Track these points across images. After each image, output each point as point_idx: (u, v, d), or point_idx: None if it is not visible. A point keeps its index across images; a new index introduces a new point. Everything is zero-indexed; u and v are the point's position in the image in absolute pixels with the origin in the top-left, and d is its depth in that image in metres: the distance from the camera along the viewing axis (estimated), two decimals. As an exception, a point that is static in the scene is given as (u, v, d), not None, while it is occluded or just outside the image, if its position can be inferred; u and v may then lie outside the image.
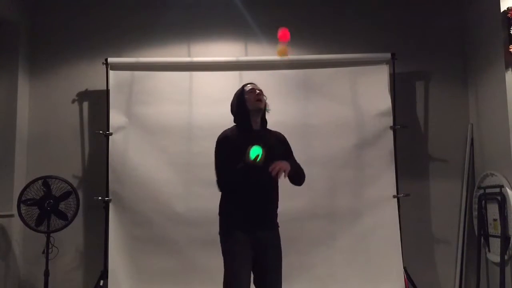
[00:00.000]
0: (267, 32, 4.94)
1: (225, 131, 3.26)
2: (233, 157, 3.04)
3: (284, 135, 3.42)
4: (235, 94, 3.33)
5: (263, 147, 2.97)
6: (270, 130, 3.37)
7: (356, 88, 4.70)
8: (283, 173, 3.05)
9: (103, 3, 5.04)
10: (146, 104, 4.65)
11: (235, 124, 3.30)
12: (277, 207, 3.27)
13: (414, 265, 4.55)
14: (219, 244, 3.20)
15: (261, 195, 3.14)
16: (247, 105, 3.20)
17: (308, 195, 4.52)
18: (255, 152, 2.92)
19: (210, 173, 3.23)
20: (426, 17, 5.04)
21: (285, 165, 3.06)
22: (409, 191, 4.58)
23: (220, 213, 3.23)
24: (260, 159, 2.92)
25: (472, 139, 4.87)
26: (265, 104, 3.27)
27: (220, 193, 3.22)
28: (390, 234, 4.47)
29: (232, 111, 3.32)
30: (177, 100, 4.66)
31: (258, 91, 3.24)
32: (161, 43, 4.98)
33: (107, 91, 4.67)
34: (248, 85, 3.29)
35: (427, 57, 4.99)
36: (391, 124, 4.62)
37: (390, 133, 4.62)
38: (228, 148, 3.12)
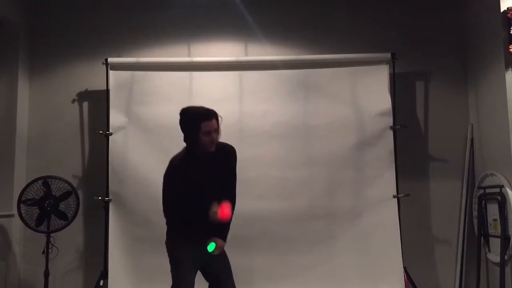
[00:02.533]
0: (267, 32, 4.95)
1: (173, 157, 3.27)
2: (178, 185, 3.17)
3: (235, 148, 3.31)
4: (189, 121, 3.15)
5: (206, 165, 3.16)
6: (221, 143, 3.25)
7: (356, 88, 4.70)
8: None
9: (103, 3, 5.05)
10: (146, 104, 4.65)
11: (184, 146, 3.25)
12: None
13: (414, 265, 4.55)
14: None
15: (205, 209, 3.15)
16: (198, 145, 3.14)
17: (308, 195, 4.53)
18: (212, 247, 3.11)
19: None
20: (426, 17, 5.04)
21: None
22: (409, 191, 4.58)
23: (167, 222, 3.33)
24: (216, 251, 3.13)
25: (472, 139, 4.87)
26: (218, 137, 3.20)
27: None
28: (390, 234, 4.47)
29: (182, 130, 3.20)
30: (177, 100, 4.64)
31: (214, 135, 3.13)
32: (161, 43, 4.98)
33: (107, 91, 4.67)
34: (206, 124, 3.09)
35: (427, 57, 4.99)
36: (391, 124, 4.62)
37: (390, 133, 4.61)
38: (173, 177, 3.21)
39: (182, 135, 4.53)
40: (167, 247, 3.35)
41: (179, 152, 3.31)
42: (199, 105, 3.25)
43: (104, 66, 4.69)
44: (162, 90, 4.67)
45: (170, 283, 4.49)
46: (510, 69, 4.33)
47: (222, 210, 3.09)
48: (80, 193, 4.59)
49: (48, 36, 5.03)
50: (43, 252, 4.40)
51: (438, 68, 4.98)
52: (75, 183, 4.69)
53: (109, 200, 4.51)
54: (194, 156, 3.21)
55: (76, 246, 4.77)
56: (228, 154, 3.28)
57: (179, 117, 3.21)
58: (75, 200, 4.45)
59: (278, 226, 4.49)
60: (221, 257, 3.29)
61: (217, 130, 3.17)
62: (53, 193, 4.40)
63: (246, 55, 4.97)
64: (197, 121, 3.10)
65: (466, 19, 4.99)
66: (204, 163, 3.20)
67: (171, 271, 3.28)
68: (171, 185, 3.23)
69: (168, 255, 3.33)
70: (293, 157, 4.56)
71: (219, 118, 3.17)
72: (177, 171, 3.22)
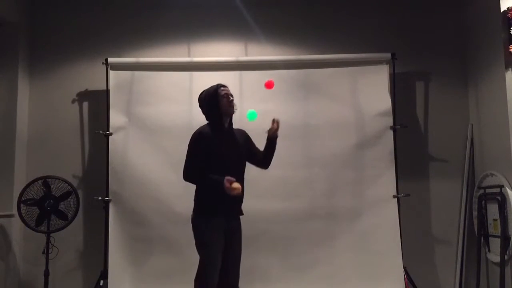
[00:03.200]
0: (267, 32, 4.95)
1: (199, 128, 3.48)
2: (205, 154, 3.36)
3: (246, 132, 3.66)
4: (208, 94, 3.52)
5: (228, 139, 3.45)
6: (235, 129, 3.61)
7: (356, 88, 4.70)
8: (277, 125, 3.51)
9: (103, 3, 5.04)
10: (146, 104, 4.65)
11: (207, 122, 3.53)
12: (243, 195, 3.49)
13: (414, 265, 4.55)
14: None
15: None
16: (220, 108, 3.46)
17: (308, 195, 4.53)
18: (252, 115, 3.41)
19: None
20: (426, 17, 5.05)
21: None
22: (409, 191, 4.59)
23: (197, 199, 3.44)
24: (239, 191, 3.27)
25: (472, 139, 4.87)
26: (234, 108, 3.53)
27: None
28: (390, 234, 4.48)
29: (203, 109, 3.56)
30: (177, 100, 4.66)
31: (231, 98, 3.50)
32: (161, 43, 4.98)
33: (107, 91, 4.67)
34: (222, 89, 3.50)
35: (427, 57, 4.99)
36: (391, 124, 4.62)
37: (390, 133, 4.62)
38: (202, 145, 3.39)
39: (181, 135, 4.57)
40: (193, 223, 3.41)
41: (202, 126, 3.48)
42: None
43: (104, 66, 4.69)
44: (162, 90, 4.67)
45: (169, 283, 4.50)
46: (510, 69, 4.33)
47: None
48: (80, 193, 4.59)
49: (48, 36, 5.02)
50: (43, 252, 4.40)
51: (438, 68, 4.98)
52: (75, 183, 4.69)
53: (109, 200, 4.51)
54: (218, 129, 3.44)
55: (76, 246, 4.77)
56: (246, 134, 3.64)
57: (198, 103, 3.58)
58: (75, 200, 4.45)
59: (278, 226, 4.49)
60: (239, 243, 3.45)
61: (232, 96, 3.51)
62: (53, 193, 4.41)
63: (246, 55, 4.97)
64: (214, 89, 3.50)
65: (466, 19, 5.00)
66: (228, 137, 3.47)
67: (199, 248, 3.36)
68: (197, 147, 3.39)
69: (195, 231, 3.39)
70: (293, 157, 4.56)
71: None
72: (202, 142, 3.39)
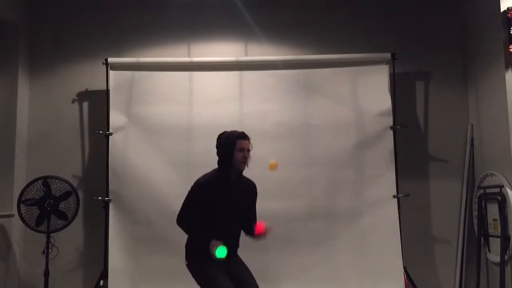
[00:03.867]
0: (267, 32, 4.95)
1: (204, 176, 3.35)
2: (204, 204, 3.26)
3: (256, 184, 3.54)
4: (227, 140, 3.35)
5: (233, 190, 3.32)
6: (244, 177, 3.47)
7: (356, 88, 4.70)
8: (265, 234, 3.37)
9: (103, 3, 5.04)
10: (146, 104, 4.65)
11: (216, 168, 3.39)
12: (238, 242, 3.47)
13: (414, 265, 4.55)
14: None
15: (232, 232, 3.38)
16: (232, 162, 3.32)
17: (308, 195, 4.53)
18: (221, 252, 3.11)
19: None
20: (426, 17, 5.04)
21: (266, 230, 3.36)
22: (409, 191, 4.59)
23: (189, 244, 3.39)
24: (224, 256, 3.13)
25: (472, 139, 4.87)
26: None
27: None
28: (390, 234, 4.48)
29: (217, 150, 3.38)
30: (177, 100, 4.66)
31: (247, 154, 3.34)
32: (161, 43, 4.98)
33: (107, 91, 4.67)
34: (241, 141, 3.32)
35: (427, 57, 4.99)
36: (391, 124, 4.62)
37: (390, 133, 4.61)
38: (201, 196, 3.28)
39: (181, 135, 4.59)
40: (192, 270, 3.34)
41: (208, 173, 3.38)
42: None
43: (104, 66, 4.69)
44: (162, 90, 4.67)
45: (169, 283, 4.50)
46: (510, 69, 4.33)
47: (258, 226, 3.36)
48: (80, 193, 4.59)
49: (48, 36, 5.02)
50: (43, 252, 4.40)
51: (438, 68, 4.98)
52: (75, 183, 4.69)
53: (109, 200, 4.51)
54: (224, 180, 3.33)
55: (76, 246, 4.77)
56: (254, 189, 3.53)
57: (216, 142, 3.39)
58: (75, 200, 4.45)
59: (278, 226, 4.45)
60: (248, 271, 3.39)
61: (249, 152, 3.36)
62: (53, 193, 4.40)
63: (246, 55, 4.97)
64: (233, 138, 3.33)
65: (466, 19, 4.99)
66: (232, 191, 3.34)
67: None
68: (192, 206, 3.31)
69: (195, 275, 3.32)
70: (293, 157, 4.56)
71: (251, 145, 3.38)
72: (202, 193, 3.29)
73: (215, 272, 3.21)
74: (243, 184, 3.45)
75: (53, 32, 5.02)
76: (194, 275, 3.32)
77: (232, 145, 3.30)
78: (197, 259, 3.31)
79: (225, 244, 3.15)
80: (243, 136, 3.35)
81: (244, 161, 3.33)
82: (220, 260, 3.12)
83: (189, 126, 4.60)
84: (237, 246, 3.45)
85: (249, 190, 3.50)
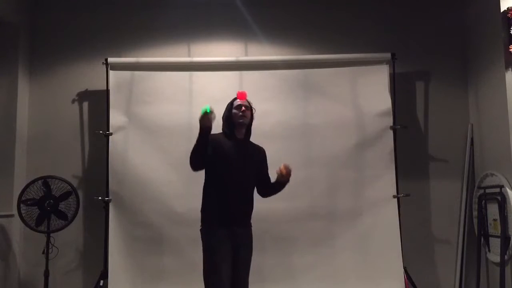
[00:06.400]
0: (267, 32, 4.96)
1: (213, 134, 3.47)
2: (211, 153, 3.42)
3: (265, 150, 3.68)
4: (228, 104, 3.62)
5: (238, 150, 3.46)
6: (252, 142, 3.65)
7: (356, 88, 4.70)
8: (287, 173, 3.47)
9: (103, 3, 5.05)
10: (146, 104, 4.65)
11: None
12: (251, 208, 3.53)
13: (414, 265, 4.56)
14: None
15: (237, 195, 3.42)
16: (232, 118, 3.53)
17: (308, 195, 4.53)
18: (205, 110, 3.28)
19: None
20: (426, 17, 5.05)
21: (289, 173, 3.47)
22: (409, 191, 4.59)
23: (202, 210, 3.48)
24: (210, 112, 3.27)
25: (472, 139, 4.87)
26: (251, 119, 3.58)
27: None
28: (390, 234, 4.47)
29: (222, 119, 3.60)
30: (177, 100, 4.66)
31: (244, 108, 3.53)
32: (161, 43, 4.98)
33: (107, 91, 4.67)
34: (237, 100, 3.58)
35: (427, 57, 4.99)
36: (391, 124, 4.62)
37: (390, 133, 4.61)
38: (213, 145, 3.43)
39: (181, 135, 4.59)
40: (202, 235, 3.43)
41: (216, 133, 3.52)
42: None
43: (104, 66, 4.69)
44: (162, 90, 4.67)
45: (170, 283, 4.50)
46: (510, 69, 4.33)
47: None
48: (80, 193, 4.59)
49: (48, 36, 5.03)
50: (43, 252, 4.41)
51: (438, 68, 4.98)
52: (75, 183, 4.69)
53: (109, 200, 4.51)
54: (230, 138, 3.50)
55: (76, 246, 4.77)
56: (261, 153, 3.65)
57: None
58: (75, 200, 4.45)
59: (278, 226, 4.49)
60: (249, 251, 3.46)
61: (249, 109, 3.55)
62: (53, 193, 4.41)
63: (246, 55, 4.97)
64: (231, 101, 3.61)
65: (466, 19, 5.00)
66: (239, 148, 3.48)
67: (205, 258, 3.34)
68: (205, 143, 3.41)
69: (202, 240, 3.40)
70: (293, 157, 4.53)
71: (253, 109, 3.61)
72: (213, 139, 3.44)
73: (214, 247, 3.31)
74: (249, 149, 3.57)
75: (53, 32, 5.02)
76: (202, 241, 3.40)
77: (230, 106, 3.58)
78: (204, 227, 3.41)
79: (234, 204, 3.35)
80: (240, 96, 3.59)
81: (244, 114, 3.51)
82: (226, 231, 3.30)
83: (189, 126, 4.59)
84: (244, 216, 3.47)
85: (256, 154, 3.59)
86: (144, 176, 4.53)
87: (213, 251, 3.31)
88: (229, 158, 3.42)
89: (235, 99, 3.60)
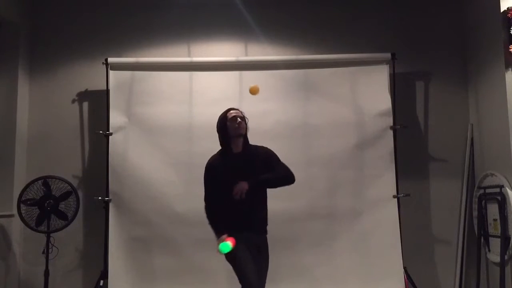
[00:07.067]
0: (267, 32, 4.95)
1: (211, 157, 3.53)
2: (216, 183, 3.44)
3: (269, 148, 3.61)
4: (219, 119, 3.55)
5: (237, 167, 3.41)
6: (252, 147, 3.57)
7: (356, 88, 4.70)
8: (242, 193, 3.33)
9: (103, 3, 5.05)
10: (146, 104, 4.65)
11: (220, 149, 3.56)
12: (264, 215, 3.58)
13: (414, 265, 4.55)
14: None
15: (247, 207, 3.41)
16: (228, 131, 3.47)
17: (308, 195, 4.53)
18: (224, 248, 3.22)
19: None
20: (426, 17, 5.05)
21: (242, 186, 3.34)
22: (409, 191, 4.59)
23: (211, 223, 3.48)
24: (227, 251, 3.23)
25: (472, 139, 4.87)
26: (246, 129, 3.52)
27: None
28: (390, 234, 4.48)
29: (218, 133, 3.56)
30: (177, 100, 4.66)
31: (239, 119, 3.47)
32: (161, 43, 4.98)
33: (107, 91, 4.67)
34: (231, 112, 3.52)
35: (427, 57, 4.99)
36: (391, 124, 4.62)
37: (390, 133, 4.62)
38: (213, 175, 3.46)
39: (181, 135, 4.60)
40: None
41: (214, 154, 3.52)
42: None
43: (104, 66, 4.69)
44: (162, 90, 4.67)
45: (169, 283, 4.51)
46: (510, 69, 4.33)
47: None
48: (80, 193, 4.59)
49: (48, 36, 5.03)
50: (43, 252, 4.41)
51: (438, 68, 4.98)
52: (75, 183, 4.69)
53: (109, 200, 4.51)
54: (227, 155, 3.47)
55: (76, 246, 4.77)
56: (266, 153, 3.56)
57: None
58: (75, 200, 4.45)
59: (278, 226, 4.45)
60: (265, 260, 3.53)
61: (243, 119, 3.49)
62: (53, 193, 4.41)
63: (246, 55, 4.97)
64: (224, 113, 3.54)
65: (466, 19, 5.00)
66: (238, 163, 3.44)
67: (233, 265, 3.36)
68: (209, 179, 3.48)
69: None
70: (293, 157, 4.51)
71: (246, 119, 3.54)
72: (210, 172, 3.47)
73: (237, 250, 3.28)
74: (251, 155, 3.50)
75: (53, 32, 5.02)
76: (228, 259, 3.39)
77: (223, 120, 3.50)
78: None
79: (243, 223, 3.36)
80: (231, 108, 3.55)
81: (240, 126, 3.46)
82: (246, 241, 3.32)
83: (189, 126, 4.60)
84: (260, 223, 3.53)
85: (258, 159, 3.51)
86: (144, 176, 4.53)
87: (234, 255, 3.30)
88: (229, 179, 3.37)
89: (228, 111, 3.53)
